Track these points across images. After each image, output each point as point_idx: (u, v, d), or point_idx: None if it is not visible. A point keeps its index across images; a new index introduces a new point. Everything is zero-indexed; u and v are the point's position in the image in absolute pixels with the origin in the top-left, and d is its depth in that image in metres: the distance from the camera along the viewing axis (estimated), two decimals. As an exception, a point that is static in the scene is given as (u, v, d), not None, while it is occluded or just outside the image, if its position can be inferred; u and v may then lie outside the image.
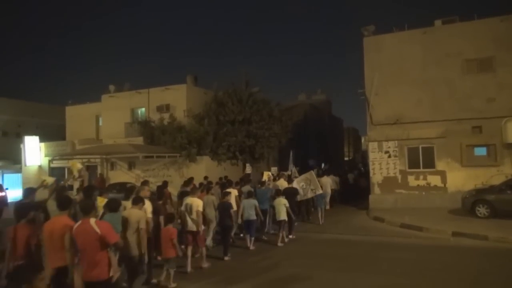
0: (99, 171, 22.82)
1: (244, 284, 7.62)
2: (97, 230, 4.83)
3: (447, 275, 7.78)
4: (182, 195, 9.60)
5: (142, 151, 19.60)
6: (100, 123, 27.22)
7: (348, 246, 10.84)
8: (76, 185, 8.14)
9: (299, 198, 12.99)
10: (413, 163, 17.01)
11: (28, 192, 7.67)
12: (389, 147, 17.40)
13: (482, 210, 13.16)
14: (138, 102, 24.77)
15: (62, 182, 10.27)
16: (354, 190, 21.00)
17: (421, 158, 16.90)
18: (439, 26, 17.28)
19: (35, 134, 26.55)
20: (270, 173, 15.54)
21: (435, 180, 16.58)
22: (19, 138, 27.50)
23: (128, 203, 7.04)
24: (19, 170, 26.07)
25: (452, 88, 16.52)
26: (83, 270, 4.93)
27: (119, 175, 21.75)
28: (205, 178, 14.65)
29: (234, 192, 11.05)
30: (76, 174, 9.71)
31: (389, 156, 17.38)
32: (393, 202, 16.75)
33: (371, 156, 17.83)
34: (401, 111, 17.17)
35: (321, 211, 14.22)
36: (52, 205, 6.82)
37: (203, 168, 19.67)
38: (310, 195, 13.46)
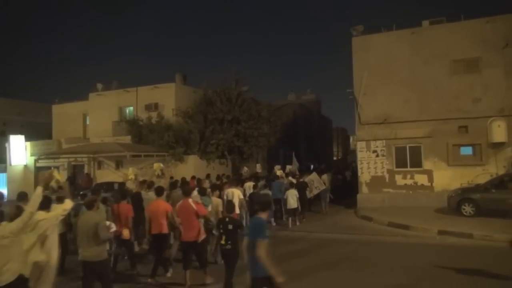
0: (86, 170, 22.54)
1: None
2: (194, 206, 7.28)
3: (433, 273, 7.85)
4: (213, 188, 10.88)
5: (130, 150, 19.39)
6: (87, 122, 26.92)
7: (335, 245, 10.88)
8: (161, 182, 10.84)
9: (307, 193, 15.24)
10: (400, 163, 17.16)
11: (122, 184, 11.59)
12: (377, 147, 17.52)
13: (467, 208, 13.32)
14: (126, 101, 24.55)
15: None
16: (349, 187, 21.42)
17: (408, 158, 17.05)
18: (427, 26, 17.45)
19: (21, 133, 26.10)
20: (281, 170, 17.46)
21: (422, 179, 16.74)
22: (4, 136, 27.06)
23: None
24: (4, 170, 25.60)
25: (439, 88, 16.70)
26: (183, 233, 7.26)
27: (106, 174, 21.49)
28: (220, 175, 15.69)
29: (251, 185, 13.00)
30: (159, 172, 11.84)
31: (377, 156, 17.50)
32: (381, 201, 16.87)
33: (359, 155, 17.94)
34: (389, 111, 17.31)
35: (324, 203, 16.55)
36: (145, 194, 9.93)
37: (191, 167, 19.56)
38: (315, 192, 15.93)
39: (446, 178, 16.15)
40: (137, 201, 9.23)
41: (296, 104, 37.93)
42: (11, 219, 4.71)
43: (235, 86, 22.54)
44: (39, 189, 5.10)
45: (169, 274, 8.01)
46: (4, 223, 4.67)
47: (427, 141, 16.70)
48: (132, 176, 12.51)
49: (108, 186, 15.88)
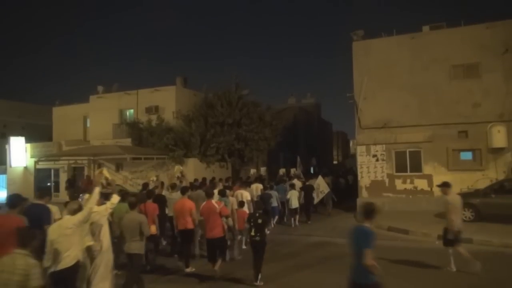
0: (86, 172, 22.55)
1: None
2: (217, 207, 8.09)
3: (431, 278, 7.85)
4: (227, 189, 11.50)
5: (130, 152, 19.42)
6: (88, 124, 26.93)
7: (335, 248, 10.86)
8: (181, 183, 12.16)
9: (315, 196, 16.21)
10: (400, 167, 17.18)
11: (145, 185, 12.13)
12: (377, 151, 17.55)
13: (467, 213, 13.30)
14: (127, 103, 24.58)
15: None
16: (350, 191, 21.57)
17: (408, 162, 17.07)
18: (427, 31, 17.53)
19: (21, 135, 26.12)
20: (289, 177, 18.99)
21: (421, 183, 16.75)
22: (4, 138, 27.08)
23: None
24: (4, 172, 25.61)
25: (439, 93, 16.75)
26: (207, 231, 8.06)
27: (106, 176, 21.50)
28: (228, 178, 16.30)
29: (259, 186, 13.85)
30: (179, 174, 12.92)
31: (377, 160, 17.52)
32: (381, 206, 16.77)
33: (359, 159, 17.96)
34: (389, 115, 17.34)
35: (329, 205, 17.54)
36: (169, 194, 10.63)
37: (191, 170, 19.56)
38: (320, 196, 16.69)
39: (446, 183, 16.13)
40: (160, 202, 9.93)
41: (296, 107, 38.01)
42: (73, 213, 5.47)
43: (235, 89, 22.59)
44: (97, 189, 6.16)
45: (188, 270, 8.68)
46: (67, 216, 5.52)
47: (427, 146, 16.72)
48: (153, 178, 14.27)
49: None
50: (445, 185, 8.38)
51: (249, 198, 11.33)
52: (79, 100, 28.17)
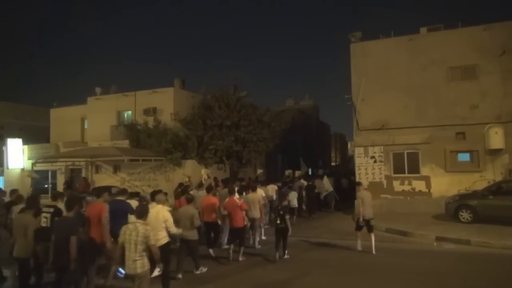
0: (83, 174, 22.46)
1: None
2: (238, 202, 9.68)
3: (430, 280, 7.83)
4: (241, 189, 12.25)
5: (128, 154, 19.32)
6: (86, 126, 26.83)
7: (332, 250, 10.87)
8: (206, 183, 13.41)
9: (323, 192, 18.29)
10: (398, 169, 17.19)
11: (181, 184, 13.96)
12: (374, 153, 17.56)
13: (465, 215, 13.33)
14: (125, 105, 24.52)
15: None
16: (354, 191, 21.82)
17: (406, 164, 17.08)
18: (425, 33, 17.58)
19: (19, 136, 25.99)
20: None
21: (419, 185, 16.76)
22: (1, 140, 26.93)
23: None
24: (1, 173, 25.47)
25: (437, 95, 16.78)
26: (231, 222, 9.62)
27: (104, 178, 21.44)
28: (240, 179, 17.27)
29: (274, 187, 14.96)
30: (205, 176, 14.83)
31: (375, 161, 17.53)
32: (378, 207, 16.76)
33: (357, 161, 17.96)
34: (386, 117, 17.36)
35: (331, 203, 19.12)
36: (196, 192, 11.69)
37: (189, 171, 19.52)
38: (324, 193, 18.48)
39: (443, 184, 16.17)
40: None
41: (294, 109, 38.02)
42: (163, 203, 7.46)
43: (233, 91, 22.53)
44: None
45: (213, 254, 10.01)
46: (159, 206, 7.38)
47: (424, 147, 16.74)
48: (186, 179, 16.11)
49: (106, 190, 15.78)
50: (358, 184, 12.01)
51: (264, 194, 12.44)
52: (76, 102, 28.03)
